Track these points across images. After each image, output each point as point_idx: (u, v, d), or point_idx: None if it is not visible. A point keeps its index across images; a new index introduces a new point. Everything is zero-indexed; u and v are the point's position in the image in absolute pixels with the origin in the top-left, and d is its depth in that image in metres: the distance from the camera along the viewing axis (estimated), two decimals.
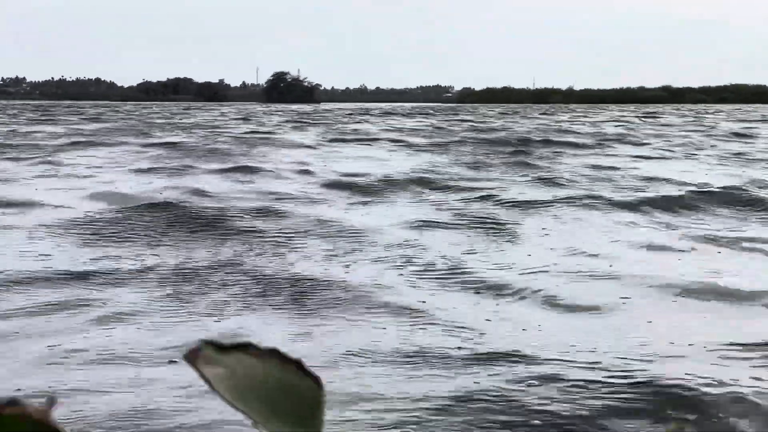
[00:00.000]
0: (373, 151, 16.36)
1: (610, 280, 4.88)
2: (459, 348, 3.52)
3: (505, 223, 6.92)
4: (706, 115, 43.67)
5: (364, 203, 8.39)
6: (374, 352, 3.45)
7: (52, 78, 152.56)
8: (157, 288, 4.57)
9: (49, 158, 13.25)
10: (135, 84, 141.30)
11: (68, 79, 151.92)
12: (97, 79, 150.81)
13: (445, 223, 6.93)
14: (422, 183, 9.90)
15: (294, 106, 77.26)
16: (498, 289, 4.63)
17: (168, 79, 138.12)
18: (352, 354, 3.44)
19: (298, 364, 0.50)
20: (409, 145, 17.70)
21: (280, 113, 47.52)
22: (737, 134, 22.76)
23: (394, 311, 4.11)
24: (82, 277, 4.81)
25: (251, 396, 0.49)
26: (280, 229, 6.42)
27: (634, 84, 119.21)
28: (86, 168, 11.86)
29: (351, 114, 45.25)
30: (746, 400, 2.89)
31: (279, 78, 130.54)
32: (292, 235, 6.22)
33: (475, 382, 3.07)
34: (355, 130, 24.95)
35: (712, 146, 17.99)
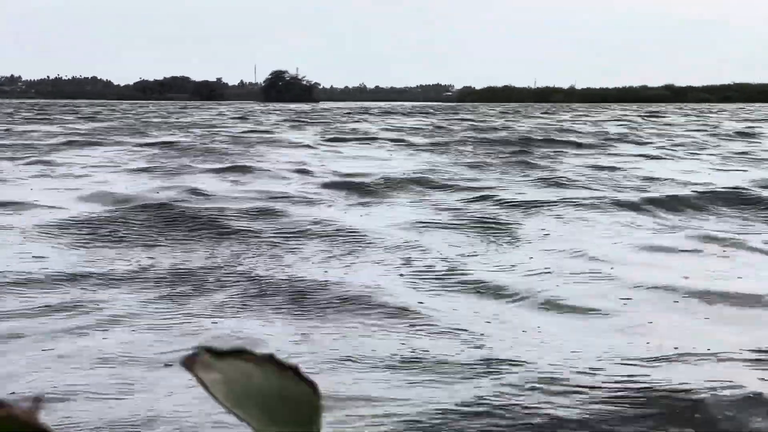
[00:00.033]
0: (373, 150, 16.31)
1: (612, 282, 4.82)
2: (458, 351, 3.49)
3: (505, 224, 6.87)
4: (710, 114, 43.74)
5: (363, 204, 8.33)
6: (371, 356, 3.41)
7: (48, 77, 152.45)
8: (153, 289, 4.54)
9: (45, 158, 13.18)
10: (132, 83, 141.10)
11: (64, 77, 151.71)
12: (94, 78, 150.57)
13: (445, 224, 6.89)
14: (422, 183, 9.84)
15: (292, 105, 77.37)
16: (498, 292, 4.59)
17: (165, 77, 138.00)
18: (349, 357, 3.39)
19: (294, 371, 0.50)
20: (409, 145, 17.66)
21: (278, 112, 47.59)
22: (741, 133, 22.75)
23: (393, 313, 4.07)
24: (77, 278, 4.77)
25: (249, 402, 0.50)
26: (278, 229, 6.37)
27: (635, 83, 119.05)
28: (82, 168, 11.80)
29: (350, 113, 45.31)
30: (753, 405, 2.84)
31: (277, 77, 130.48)
32: (290, 236, 6.17)
33: (475, 387, 3.03)
34: (354, 129, 24.92)
35: (715, 145, 17.96)
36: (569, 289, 4.65)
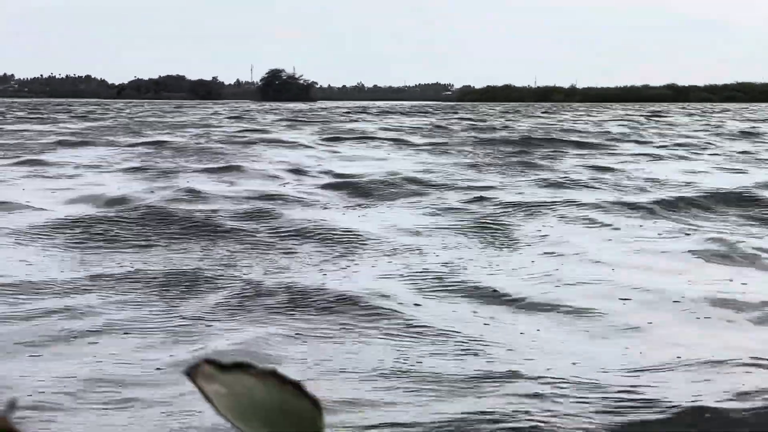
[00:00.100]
0: (371, 150, 16.29)
1: (614, 286, 4.75)
2: (456, 355, 3.43)
3: (506, 225, 6.80)
4: (713, 114, 44.04)
5: (361, 205, 8.28)
6: (367, 361, 3.35)
7: (41, 75, 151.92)
8: (145, 293, 4.48)
9: (37, 157, 13.09)
10: (126, 81, 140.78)
11: (58, 76, 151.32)
12: (88, 77, 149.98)
13: (444, 225, 6.82)
14: (421, 183, 9.79)
15: (289, 105, 77.34)
16: (498, 295, 4.51)
17: (160, 76, 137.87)
18: (345, 362, 3.34)
19: (297, 386, 0.51)
20: (408, 145, 17.64)
21: (275, 112, 47.54)
22: (746, 133, 22.80)
23: (391, 316, 4.00)
24: (69, 281, 4.71)
25: (251, 415, 0.51)
26: (273, 231, 6.33)
27: (637, 83, 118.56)
28: (74, 168, 11.75)
29: (348, 112, 45.45)
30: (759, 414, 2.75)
31: (274, 76, 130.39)
32: (285, 237, 6.12)
33: (473, 393, 2.97)
34: (352, 129, 24.86)
35: (719, 146, 17.98)
36: (570, 292, 4.57)
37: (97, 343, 3.62)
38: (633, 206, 7.82)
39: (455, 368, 3.29)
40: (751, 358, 3.38)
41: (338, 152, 15.50)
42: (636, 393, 2.98)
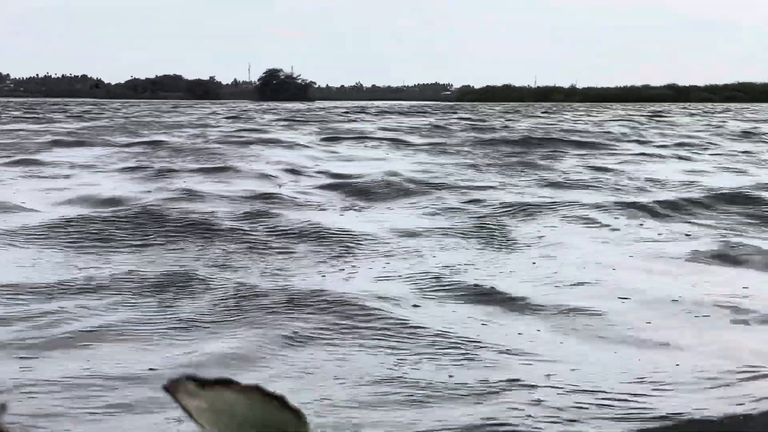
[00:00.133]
0: (369, 150, 16.23)
1: (614, 286, 4.72)
2: (454, 358, 3.39)
3: (505, 226, 6.76)
4: (714, 114, 44.09)
5: (358, 205, 8.23)
6: (365, 364, 3.31)
7: (37, 75, 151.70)
8: (140, 294, 4.44)
9: (32, 157, 13.04)
10: (123, 81, 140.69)
11: (54, 76, 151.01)
12: (84, 76, 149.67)
13: (443, 226, 6.77)
14: (420, 183, 9.72)
15: (287, 104, 77.40)
16: (497, 297, 4.46)
17: (157, 76, 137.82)
18: (341, 365, 3.29)
19: (280, 400, 0.51)
20: (407, 145, 17.58)
21: (272, 111, 47.58)
22: (747, 133, 22.77)
23: (388, 318, 3.95)
24: (63, 282, 4.65)
25: (235, 430, 0.50)
26: (270, 232, 6.28)
27: (637, 83, 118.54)
28: (70, 168, 11.69)
29: (346, 112, 45.50)
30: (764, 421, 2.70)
31: (272, 75, 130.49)
32: (281, 238, 6.08)
33: (473, 401, 2.91)
34: (350, 129, 24.86)
35: (721, 146, 17.93)
36: (570, 293, 4.54)
37: (90, 344, 3.58)
38: (634, 206, 7.78)
39: (453, 372, 3.24)
40: (754, 360, 3.33)
41: (336, 152, 15.45)
42: (636, 398, 2.94)
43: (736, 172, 11.95)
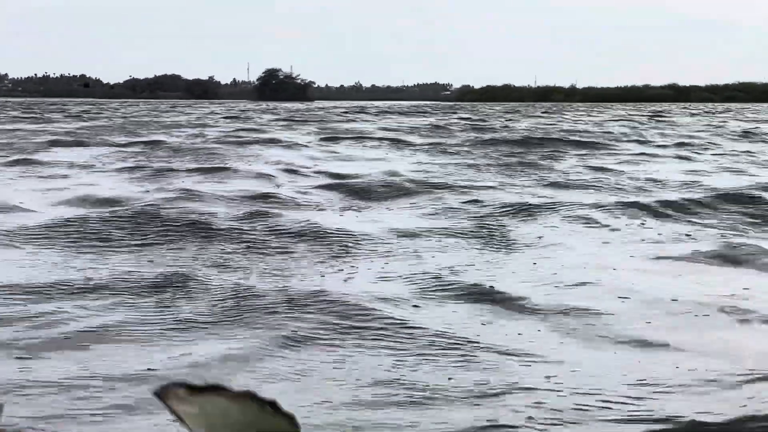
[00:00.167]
0: (369, 150, 16.22)
1: (614, 287, 4.70)
2: (454, 359, 3.37)
3: (505, 226, 6.75)
4: (715, 114, 44.12)
5: (358, 205, 8.22)
6: (364, 366, 3.28)
7: (36, 74, 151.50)
8: (138, 294, 4.42)
9: (30, 157, 13.03)
10: (122, 81, 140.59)
11: (52, 75, 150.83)
12: (82, 76, 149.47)
13: (443, 227, 6.75)
14: (419, 183, 9.70)
15: (286, 104, 77.41)
16: (497, 298, 4.43)
17: (155, 75, 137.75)
18: (340, 367, 3.27)
19: (272, 405, 0.52)
20: (406, 145, 17.58)
21: (272, 111, 47.63)
22: (748, 133, 22.76)
23: (388, 319, 3.93)
24: (61, 282, 4.63)
25: None
26: (269, 232, 6.27)
27: (637, 83, 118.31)
28: (68, 168, 11.68)
29: (346, 112, 45.53)
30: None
31: (271, 75, 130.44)
32: (281, 239, 6.06)
33: (473, 406, 2.89)
34: (350, 129, 24.88)
35: (722, 146, 17.91)
36: (570, 294, 4.53)
37: (89, 345, 3.56)
38: (634, 206, 7.77)
39: (452, 373, 3.22)
40: (754, 361, 3.32)
41: (336, 152, 15.45)
42: (636, 400, 2.93)
43: (737, 172, 11.94)
